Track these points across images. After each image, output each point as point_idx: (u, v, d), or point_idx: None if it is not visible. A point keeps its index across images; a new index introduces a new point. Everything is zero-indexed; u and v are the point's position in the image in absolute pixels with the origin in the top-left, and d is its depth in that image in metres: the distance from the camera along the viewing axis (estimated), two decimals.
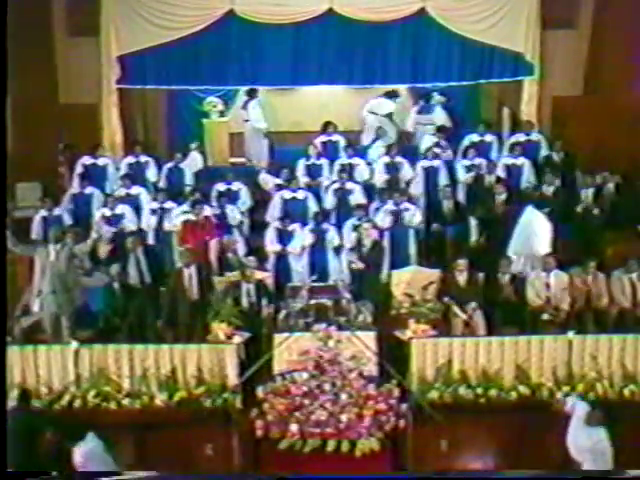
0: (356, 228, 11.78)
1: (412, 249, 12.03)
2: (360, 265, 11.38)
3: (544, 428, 8.76)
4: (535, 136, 13.74)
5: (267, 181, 13.38)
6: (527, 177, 13.14)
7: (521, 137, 13.75)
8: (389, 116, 14.84)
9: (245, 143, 14.83)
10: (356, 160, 13.39)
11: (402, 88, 15.06)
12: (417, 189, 13.12)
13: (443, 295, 10.51)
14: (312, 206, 12.55)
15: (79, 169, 13.33)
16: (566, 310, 10.56)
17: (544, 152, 13.58)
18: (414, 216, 12.12)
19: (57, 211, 12.44)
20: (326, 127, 14.07)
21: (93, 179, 13.13)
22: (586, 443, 8.08)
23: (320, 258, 11.85)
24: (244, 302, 10.48)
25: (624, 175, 12.77)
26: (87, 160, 13.42)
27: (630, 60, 13.54)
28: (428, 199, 13.02)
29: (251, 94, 14.68)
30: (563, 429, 8.51)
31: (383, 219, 12.08)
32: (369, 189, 13.07)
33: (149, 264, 11.24)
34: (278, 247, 11.78)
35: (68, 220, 12.36)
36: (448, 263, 11.18)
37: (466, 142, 13.72)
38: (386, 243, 11.95)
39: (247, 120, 14.66)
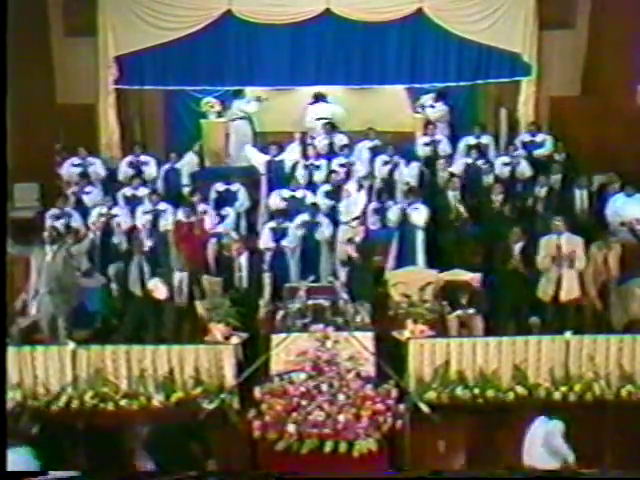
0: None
1: (420, 250, 11.92)
2: (354, 254, 11.33)
3: None
4: (539, 137, 13.66)
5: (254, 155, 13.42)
6: (524, 176, 13.11)
7: (526, 137, 13.71)
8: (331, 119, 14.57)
9: (231, 143, 14.73)
10: (351, 159, 13.31)
11: (400, 88, 15.07)
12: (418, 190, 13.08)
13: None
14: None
15: (66, 171, 13.30)
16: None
17: (544, 153, 13.55)
18: (420, 215, 12.04)
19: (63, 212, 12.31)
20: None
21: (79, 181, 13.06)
22: None
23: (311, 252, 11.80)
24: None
25: (621, 175, 12.77)
26: (75, 161, 13.35)
27: (628, 60, 13.53)
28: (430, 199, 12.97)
29: (237, 94, 14.66)
30: None
31: (392, 218, 12.05)
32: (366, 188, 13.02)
33: (150, 265, 11.23)
34: (271, 244, 11.69)
35: (72, 221, 12.23)
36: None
37: (464, 142, 13.64)
38: (394, 243, 11.88)
39: (234, 120, 14.60)
